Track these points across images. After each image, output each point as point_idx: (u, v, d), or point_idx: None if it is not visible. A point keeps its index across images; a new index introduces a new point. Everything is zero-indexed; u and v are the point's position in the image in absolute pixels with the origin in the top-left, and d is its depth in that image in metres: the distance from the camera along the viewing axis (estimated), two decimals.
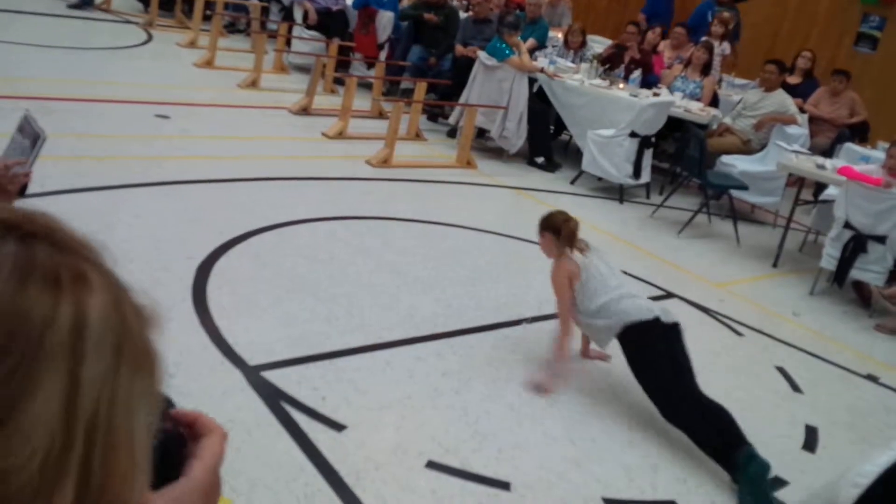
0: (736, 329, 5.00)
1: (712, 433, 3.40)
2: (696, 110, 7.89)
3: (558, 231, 3.78)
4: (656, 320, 3.58)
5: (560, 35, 9.70)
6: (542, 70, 7.96)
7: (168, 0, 11.11)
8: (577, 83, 7.87)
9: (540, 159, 7.96)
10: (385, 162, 6.84)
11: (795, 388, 4.40)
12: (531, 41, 8.69)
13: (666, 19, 10.30)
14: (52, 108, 6.14)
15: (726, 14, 9.60)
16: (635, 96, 7.57)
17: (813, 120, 8.19)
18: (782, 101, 7.78)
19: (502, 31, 7.80)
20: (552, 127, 8.38)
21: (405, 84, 9.10)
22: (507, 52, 7.64)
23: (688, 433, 3.48)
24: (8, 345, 0.47)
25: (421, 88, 7.86)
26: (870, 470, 1.45)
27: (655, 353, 3.58)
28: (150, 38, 10.01)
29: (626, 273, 5.50)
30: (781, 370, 4.57)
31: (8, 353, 0.47)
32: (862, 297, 5.89)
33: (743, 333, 4.97)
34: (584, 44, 9.15)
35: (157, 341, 0.57)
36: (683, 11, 10.56)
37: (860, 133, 8.37)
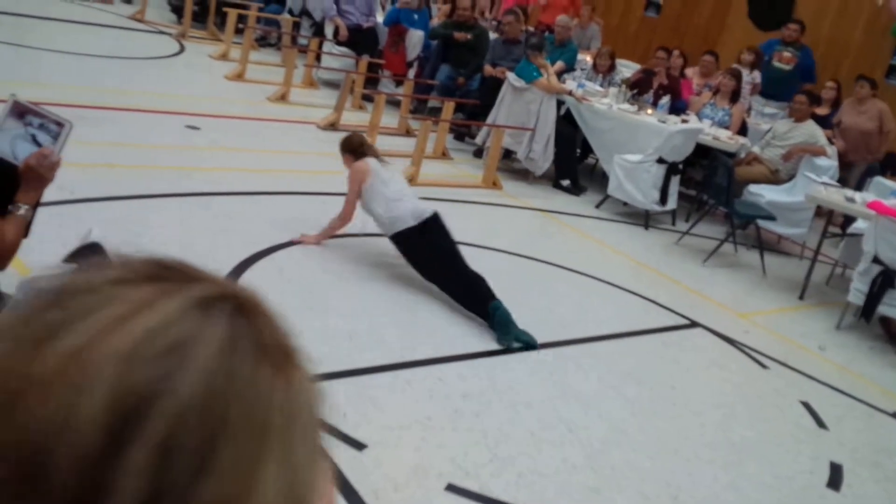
0: (761, 361, 4.94)
1: (475, 298, 4.46)
2: (725, 138, 7.84)
3: (355, 151, 4.91)
4: (418, 224, 4.62)
5: (589, 58, 9.70)
6: (570, 93, 7.96)
7: (201, 12, 11.25)
8: (605, 107, 7.86)
9: (566, 182, 7.94)
10: (411, 180, 6.83)
11: (820, 423, 4.33)
12: (560, 64, 8.69)
13: (810, 75, 9.79)
14: (84, 116, 6.19)
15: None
16: (663, 122, 7.54)
17: (842, 159, 8.06)
18: (812, 132, 7.72)
19: (527, 53, 7.82)
20: (579, 150, 8.37)
21: (433, 103, 9.13)
22: (535, 73, 7.65)
23: (456, 299, 4.55)
24: (244, 427, 0.44)
25: (449, 108, 7.88)
26: None
27: (420, 252, 4.67)
28: (182, 49, 10.13)
29: (649, 300, 5.47)
30: (806, 405, 4.51)
31: (239, 434, 0.44)
32: (889, 333, 5.81)
33: (768, 366, 4.91)
34: (612, 67, 9.15)
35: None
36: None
37: (891, 167, 8.28)
